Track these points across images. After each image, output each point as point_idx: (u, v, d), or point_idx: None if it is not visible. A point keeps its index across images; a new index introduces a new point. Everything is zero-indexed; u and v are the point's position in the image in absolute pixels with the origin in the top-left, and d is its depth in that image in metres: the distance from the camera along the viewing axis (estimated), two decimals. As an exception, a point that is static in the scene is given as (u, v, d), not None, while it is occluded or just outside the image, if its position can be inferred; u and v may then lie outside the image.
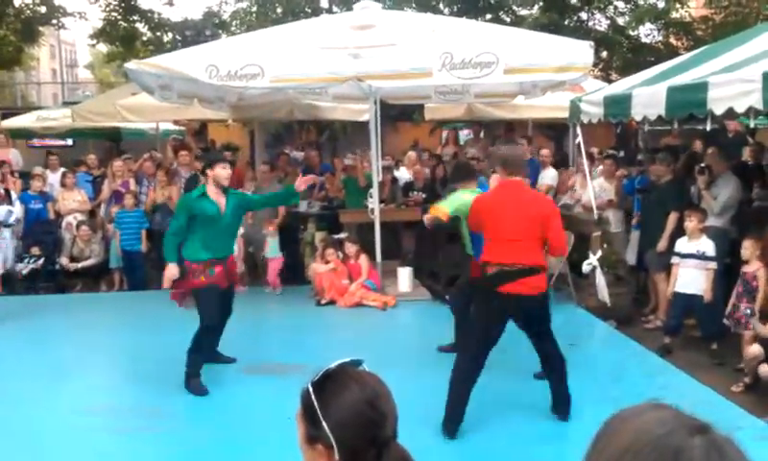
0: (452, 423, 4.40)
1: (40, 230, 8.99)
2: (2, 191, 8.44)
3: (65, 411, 4.99)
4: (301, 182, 5.80)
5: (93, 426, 4.69)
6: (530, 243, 4.39)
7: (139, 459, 4.36)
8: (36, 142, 15.45)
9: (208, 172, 5.37)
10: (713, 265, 6.10)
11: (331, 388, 1.34)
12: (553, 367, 4.71)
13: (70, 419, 4.84)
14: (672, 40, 16.81)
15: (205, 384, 5.30)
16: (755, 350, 5.12)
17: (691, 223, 6.20)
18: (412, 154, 11.03)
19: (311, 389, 1.35)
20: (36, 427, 4.71)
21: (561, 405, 4.70)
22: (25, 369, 5.93)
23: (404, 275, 8.19)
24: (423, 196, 9.40)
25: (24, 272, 8.59)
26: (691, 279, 6.17)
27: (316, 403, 1.32)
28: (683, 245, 6.27)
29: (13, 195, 8.67)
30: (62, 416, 4.90)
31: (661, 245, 6.88)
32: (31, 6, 17.79)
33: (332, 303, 7.85)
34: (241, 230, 7.93)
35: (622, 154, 11.83)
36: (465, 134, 14.97)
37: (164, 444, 4.47)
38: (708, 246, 6.15)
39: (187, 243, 5.37)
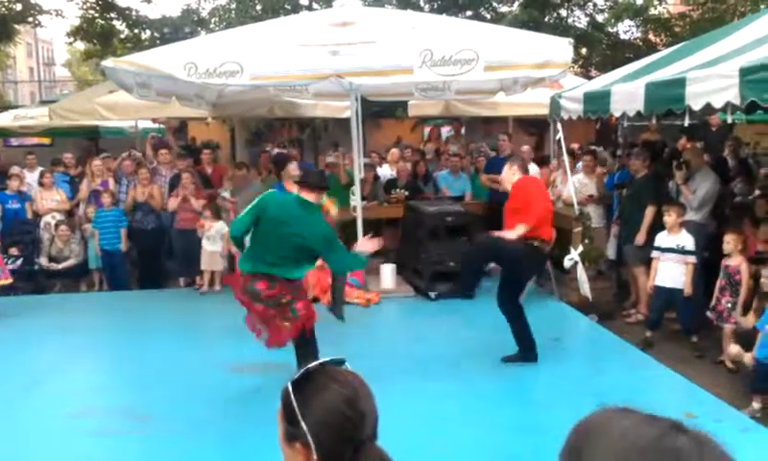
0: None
1: (18, 230, 8.87)
2: None
3: (47, 414, 4.93)
4: (367, 245, 5.20)
5: (75, 429, 4.64)
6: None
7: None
8: (13, 141, 15.25)
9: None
10: (693, 259, 6.17)
11: (310, 387, 1.34)
12: None
13: (51, 421, 4.78)
14: (651, 37, 16.96)
15: (192, 383, 5.26)
16: (734, 350, 5.16)
17: (670, 218, 6.26)
18: (395, 151, 11.03)
19: (290, 388, 1.35)
20: (18, 431, 4.65)
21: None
22: (5, 371, 5.84)
23: (387, 272, 8.19)
24: (406, 193, 9.41)
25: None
26: (671, 273, 6.23)
27: (294, 402, 1.32)
28: (662, 239, 6.33)
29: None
30: (44, 419, 4.84)
31: (639, 238, 6.94)
32: (6, 3, 17.52)
33: (316, 300, 7.83)
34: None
35: (602, 149, 11.93)
36: (446, 131, 14.99)
37: (148, 445, 4.44)
38: (687, 240, 6.21)
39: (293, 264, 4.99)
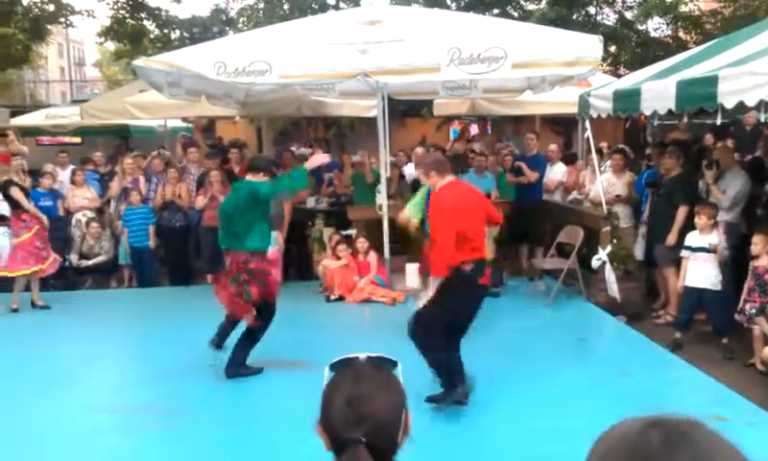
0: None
1: (50, 227, 9.02)
2: None
3: (75, 409, 5.02)
4: (313, 161, 5.95)
5: (102, 424, 4.72)
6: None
7: (149, 457, 4.38)
8: (44, 140, 15.52)
9: (251, 175, 5.60)
10: (723, 248, 6.06)
11: (335, 375, 1.39)
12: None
13: (79, 417, 4.86)
14: (681, 34, 16.71)
15: (216, 380, 5.34)
16: (766, 352, 5.07)
17: (700, 220, 6.15)
18: (419, 150, 11.02)
19: (327, 369, 1.41)
20: (46, 425, 4.73)
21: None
22: (34, 365, 5.95)
23: (412, 271, 8.18)
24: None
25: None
26: (702, 272, 6.13)
27: (324, 384, 1.39)
28: (693, 239, 6.23)
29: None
30: (72, 414, 4.93)
31: (670, 239, 6.84)
32: (39, 4, 17.86)
33: (341, 298, 7.87)
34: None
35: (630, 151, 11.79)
36: (471, 130, 14.96)
37: (174, 441, 4.49)
38: (718, 240, 6.11)
39: (255, 234, 5.46)
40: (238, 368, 5.47)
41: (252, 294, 5.34)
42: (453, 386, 4.61)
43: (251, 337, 5.48)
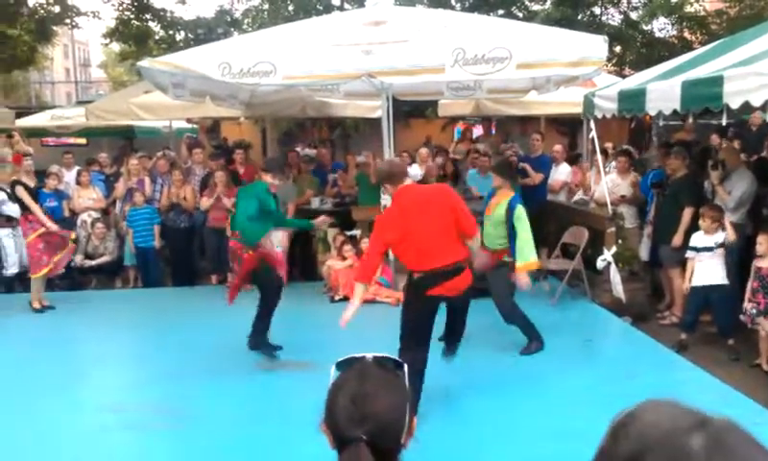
0: None
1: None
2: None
3: (81, 408, 5.03)
4: (321, 222, 6.82)
5: (108, 423, 4.72)
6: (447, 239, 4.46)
7: (154, 456, 4.39)
8: (50, 141, 15.56)
9: (263, 175, 5.99)
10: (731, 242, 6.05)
11: (341, 373, 1.40)
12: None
13: (86, 416, 4.88)
14: (686, 35, 16.68)
15: (221, 380, 5.36)
16: None
17: (704, 223, 6.12)
18: (423, 150, 11.01)
19: (333, 367, 1.42)
20: (53, 425, 4.75)
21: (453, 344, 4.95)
22: (41, 365, 5.97)
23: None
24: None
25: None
26: (707, 270, 6.11)
27: (330, 381, 1.39)
28: (698, 239, 6.21)
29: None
30: (78, 413, 4.94)
31: (676, 240, 6.82)
32: (44, 5, 17.91)
33: (346, 299, 7.86)
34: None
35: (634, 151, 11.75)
36: (477, 131, 14.94)
37: (180, 440, 4.50)
38: (723, 238, 6.09)
39: (252, 232, 5.79)
40: (258, 340, 5.74)
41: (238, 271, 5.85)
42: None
43: (263, 309, 5.79)
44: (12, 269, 8.40)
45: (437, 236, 4.40)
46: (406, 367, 1.45)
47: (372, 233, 4.58)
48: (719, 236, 6.08)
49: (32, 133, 14.06)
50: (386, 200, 8.05)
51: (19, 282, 8.61)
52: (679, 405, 0.89)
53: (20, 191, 7.68)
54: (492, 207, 5.90)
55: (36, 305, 7.70)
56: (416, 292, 4.49)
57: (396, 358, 1.46)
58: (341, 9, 17.14)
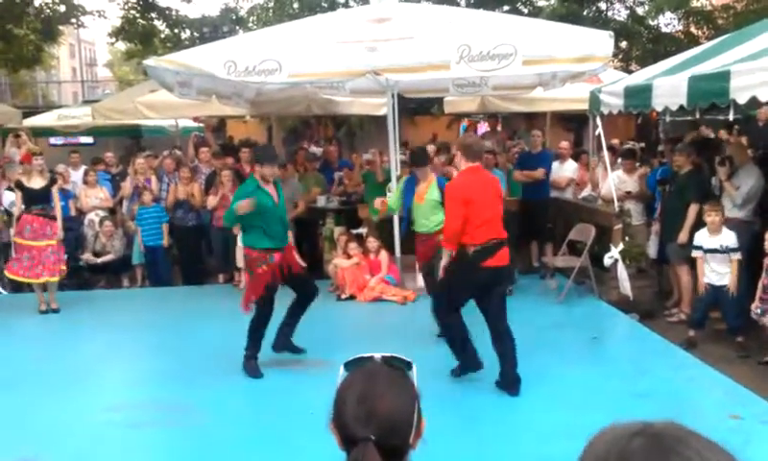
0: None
1: (63, 227, 9.06)
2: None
3: (88, 406, 5.04)
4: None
5: (115, 421, 4.74)
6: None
7: (161, 454, 4.40)
8: (57, 141, 15.61)
9: (257, 167, 5.67)
10: (738, 256, 6.02)
11: (349, 373, 1.40)
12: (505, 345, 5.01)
13: (93, 413, 4.89)
14: (693, 30, 16.58)
15: (229, 379, 5.35)
16: None
17: (709, 217, 6.10)
18: (430, 148, 10.99)
19: (341, 367, 1.42)
20: (60, 422, 4.76)
21: (512, 385, 5.00)
22: (48, 364, 6.00)
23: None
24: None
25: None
26: (716, 270, 6.09)
27: (338, 383, 1.39)
28: (704, 239, 6.18)
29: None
30: (85, 410, 4.95)
31: (682, 237, 6.79)
32: (50, 5, 17.95)
33: (352, 297, 7.87)
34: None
35: (643, 145, 11.69)
36: (483, 127, 14.90)
37: (186, 439, 4.51)
38: (730, 239, 6.07)
39: (250, 233, 5.60)
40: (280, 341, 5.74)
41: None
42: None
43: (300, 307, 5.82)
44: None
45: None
46: (415, 368, 1.44)
47: (448, 204, 5.04)
48: (725, 237, 6.05)
49: (38, 133, 14.12)
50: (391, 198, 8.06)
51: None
52: (627, 421, 0.91)
53: (16, 192, 7.71)
54: (423, 194, 6.30)
55: (43, 307, 7.71)
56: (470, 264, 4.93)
57: (405, 358, 1.45)
58: (346, 6, 17.12)
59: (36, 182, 7.71)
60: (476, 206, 4.86)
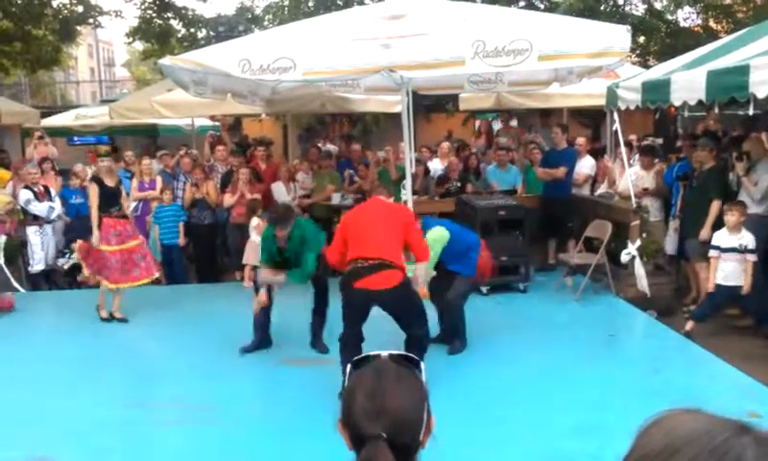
0: None
1: (81, 225, 9.14)
2: (41, 188, 8.61)
3: (106, 403, 5.08)
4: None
5: (133, 418, 4.78)
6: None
7: (178, 450, 4.42)
8: (75, 140, 15.77)
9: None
10: (753, 258, 5.97)
11: (357, 371, 1.38)
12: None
13: (111, 410, 4.92)
14: (712, 24, 16.39)
15: (244, 375, 5.41)
16: None
17: (732, 217, 6.03)
18: (445, 145, 10.97)
19: (350, 366, 1.42)
20: (78, 419, 4.80)
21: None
22: (67, 360, 6.05)
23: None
24: (458, 185, 9.35)
25: (66, 267, 8.76)
26: (733, 271, 6.03)
27: (345, 380, 1.39)
28: (722, 239, 6.11)
29: (53, 192, 8.85)
30: (103, 407, 4.98)
31: (703, 234, 6.71)
32: (68, 6, 18.11)
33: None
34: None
35: (661, 141, 11.57)
36: (495, 125, 14.85)
37: (203, 435, 4.53)
38: (748, 238, 6.00)
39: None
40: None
41: None
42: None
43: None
44: (37, 266, 8.53)
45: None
46: (423, 366, 1.43)
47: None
48: (743, 236, 5.98)
49: (57, 133, 14.26)
50: (405, 195, 8.05)
51: (45, 281, 8.74)
52: (701, 415, 0.86)
53: (92, 187, 7.38)
54: None
55: (104, 315, 7.29)
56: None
57: (413, 356, 1.44)
58: (360, 3, 17.11)
59: (109, 182, 7.36)
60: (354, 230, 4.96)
